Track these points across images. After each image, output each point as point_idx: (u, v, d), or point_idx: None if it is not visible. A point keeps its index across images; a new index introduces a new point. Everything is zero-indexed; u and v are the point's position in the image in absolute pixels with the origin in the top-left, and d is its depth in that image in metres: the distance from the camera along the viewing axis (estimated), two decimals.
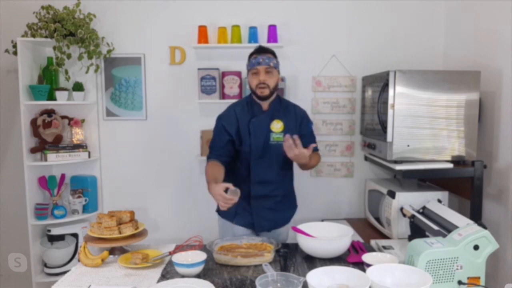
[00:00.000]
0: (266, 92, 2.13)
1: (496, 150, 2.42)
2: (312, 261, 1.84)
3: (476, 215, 2.30)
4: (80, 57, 2.91)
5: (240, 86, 3.07)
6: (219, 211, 2.35)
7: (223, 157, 2.18)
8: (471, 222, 1.75)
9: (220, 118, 2.25)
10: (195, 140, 3.16)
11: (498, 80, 2.39)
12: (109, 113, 3.18)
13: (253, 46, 3.02)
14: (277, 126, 2.19)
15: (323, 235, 1.95)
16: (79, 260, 1.87)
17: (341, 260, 1.84)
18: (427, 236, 1.98)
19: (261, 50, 2.17)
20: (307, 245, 1.86)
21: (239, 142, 2.20)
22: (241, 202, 2.15)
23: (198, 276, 1.68)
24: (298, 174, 3.01)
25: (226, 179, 2.09)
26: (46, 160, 2.90)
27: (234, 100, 3.02)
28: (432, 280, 1.37)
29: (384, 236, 2.54)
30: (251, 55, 2.19)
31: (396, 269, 1.51)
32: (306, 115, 2.31)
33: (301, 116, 2.28)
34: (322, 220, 3.10)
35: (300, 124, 2.25)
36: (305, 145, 2.14)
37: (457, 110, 2.39)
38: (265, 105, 2.21)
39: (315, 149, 2.27)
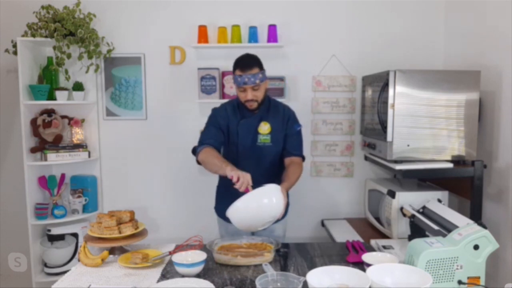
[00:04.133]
0: (255, 105, 2.16)
1: (496, 150, 2.42)
2: (312, 261, 1.85)
3: (476, 215, 2.30)
4: (80, 57, 2.91)
5: None
6: (217, 209, 2.41)
7: (217, 143, 2.21)
8: (471, 222, 1.75)
9: (214, 110, 2.30)
10: (195, 140, 3.11)
11: (498, 80, 2.39)
12: (109, 113, 3.18)
13: (253, 46, 3.05)
14: (264, 128, 2.22)
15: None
16: (79, 260, 1.87)
17: (341, 260, 1.85)
18: (427, 236, 1.98)
19: (245, 67, 2.09)
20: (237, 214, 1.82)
21: (227, 139, 2.25)
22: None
23: (198, 276, 1.68)
24: None
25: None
26: (46, 160, 2.90)
27: None
28: (432, 279, 1.37)
29: (384, 236, 2.54)
30: (235, 67, 2.13)
31: (396, 269, 1.51)
32: (294, 116, 2.32)
33: (288, 116, 2.29)
34: (322, 220, 3.10)
35: (287, 123, 2.27)
36: (288, 145, 2.25)
37: (457, 110, 2.39)
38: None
39: (298, 155, 2.28)
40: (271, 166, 2.25)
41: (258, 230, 1.94)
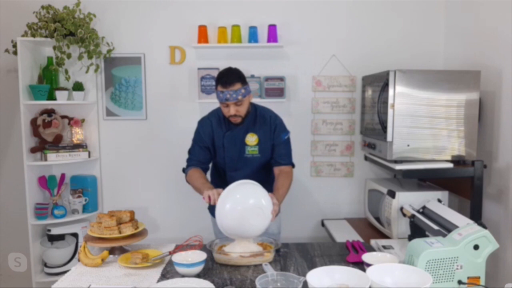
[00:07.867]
0: (239, 120, 2.15)
1: (496, 150, 2.42)
2: (312, 261, 1.85)
3: (476, 215, 2.30)
4: (80, 57, 2.91)
5: None
6: (210, 208, 2.42)
7: (203, 164, 2.26)
8: (471, 221, 1.75)
9: (199, 125, 2.30)
10: None
11: (498, 80, 2.39)
12: (109, 113, 3.18)
13: (253, 46, 3.06)
14: (251, 139, 2.21)
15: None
16: (79, 260, 1.87)
17: (341, 260, 1.85)
18: (427, 236, 1.98)
19: (226, 84, 2.05)
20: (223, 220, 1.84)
21: (214, 153, 2.27)
22: None
23: (198, 276, 1.68)
24: (298, 173, 3.02)
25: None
26: (46, 160, 2.90)
27: None
28: (432, 280, 1.37)
29: (384, 236, 2.54)
30: (217, 83, 2.10)
31: (396, 269, 1.51)
32: (281, 125, 2.28)
33: (275, 125, 2.25)
34: (322, 220, 3.10)
35: (274, 133, 2.24)
36: (276, 155, 2.24)
37: (457, 110, 2.39)
38: None
39: (287, 163, 2.26)
40: (259, 174, 2.23)
41: (250, 234, 1.88)
